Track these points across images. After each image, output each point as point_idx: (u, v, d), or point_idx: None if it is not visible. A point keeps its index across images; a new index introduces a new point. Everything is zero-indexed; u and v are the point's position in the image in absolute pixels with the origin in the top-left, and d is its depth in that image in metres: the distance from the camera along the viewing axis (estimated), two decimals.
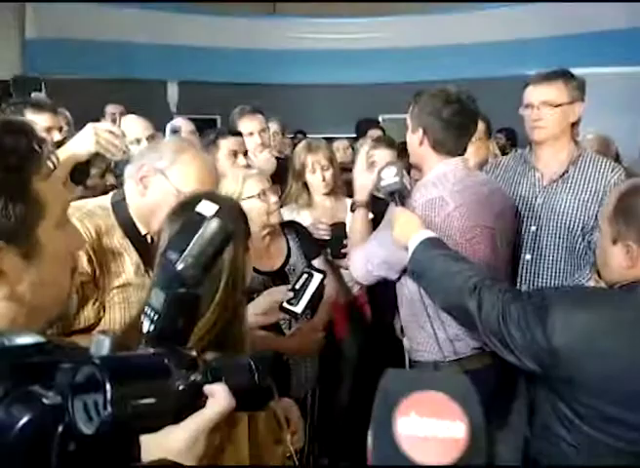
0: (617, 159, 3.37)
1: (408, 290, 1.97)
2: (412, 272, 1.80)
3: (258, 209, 2.11)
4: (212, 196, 1.39)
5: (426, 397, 0.48)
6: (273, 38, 8.55)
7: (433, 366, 2.01)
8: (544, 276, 2.26)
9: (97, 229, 1.57)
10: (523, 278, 2.28)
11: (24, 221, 0.77)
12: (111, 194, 1.72)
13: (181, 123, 3.32)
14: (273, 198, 2.16)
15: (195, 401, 0.76)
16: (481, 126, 2.86)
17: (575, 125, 2.34)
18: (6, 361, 0.59)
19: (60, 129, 2.76)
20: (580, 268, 2.22)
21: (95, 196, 1.79)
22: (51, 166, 0.81)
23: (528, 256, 2.28)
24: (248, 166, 2.73)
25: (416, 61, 8.04)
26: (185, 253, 0.76)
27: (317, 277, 1.89)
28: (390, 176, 1.85)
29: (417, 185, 2.00)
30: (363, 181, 2.14)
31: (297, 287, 1.87)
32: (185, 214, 1.32)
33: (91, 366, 0.56)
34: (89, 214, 1.59)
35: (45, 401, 0.57)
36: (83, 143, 1.78)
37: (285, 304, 1.81)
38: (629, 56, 7.14)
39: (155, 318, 0.75)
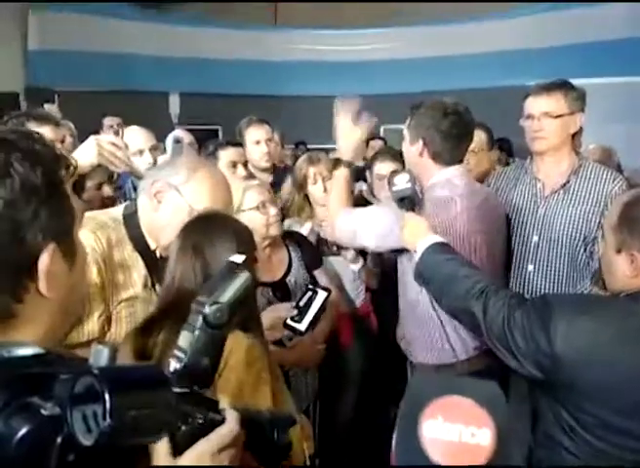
0: (618, 169, 3.37)
1: (414, 290, 2.00)
2: (419, 275, 1.83)
3: (257, 220, 2.11)
4: (222, 216, 1.40)
5: (454, 402, 0.48)
6: (275, 50, 8.61)
7: (435, 368, 2.06)
8: (547, 286, 2.26)
9: (108, 241, 1.56)
10: (526, 288, 2.28)
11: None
12: (123, 206, 1.73)
13: (183, 135, 3.33)
14: (273, 210, 2.16)
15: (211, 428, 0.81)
16: (483, 136, 2.87)
17: (576, 135, 2.34)
18: (5, 372, 0.59)
19: (62, 141, 2.76)
20: (582, 278, 2.22)
21: (92, 209, 1.79)
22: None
23: (530, 267, 2.29)
24: (249, 176, 2.74)
25: (416, 72, 8.09)
26: (218, 300, 0.83)
27: (321, 295, 1.90)
28: (403, 183, 1.89)
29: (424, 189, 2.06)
30: (348, 138, 2.18)
31: (301, 304, 1.88)
32: (194, 234, 1.38)
33: (90, 376, 0.55)
34: (101, 224, 1.58)
35: (44, 412, 0.57)
36: (86, 155, 1.78)
37: (289, 321, 1.82)
38: (630, 66, 7.17)
39: (182, 357, 0.80)
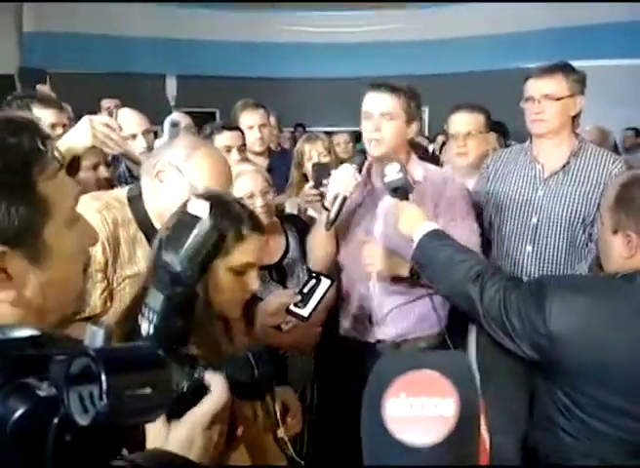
0: (614, 150, 3.37)
1: None
2: (417, 262, 1.86)
3: None
4: (208, 194, 1.40)
5: (417, 376, 0.47)
6: (273, 31, 8.55)
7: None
8: (545, 268, 2.27)
9: (114, 221, 1.59)
10: (524, 269, 2.29)
11: (29, 224, 0.74)
12: (126, 189, 1.75)
13: (180, 117, 3.31)
14: (260, 201, 2.13)
15: (200, 397, 0.79)
16: (481, 119, 2.86)
17: (575, 118, 2.33)
18: (0, 354, 0.59)
19: (64, 125, 2.74)
20: (580, 260, 2.22)
21: (87, 190, 1.79)
22: (57, 164, 0.78)
23: (529, 248, 2.29)
24: (245, 160, 2.72)
25: (414, 54, 8.04)
26: (181, 255, 0.77)
27: (325, 282, 1.92)
28: (394, 173, 1.89)
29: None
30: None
31: (305, 290, 1.90)
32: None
33: (86, 357, 0.55)
34: (107, 205, 1.61)
35: (40, 393, 0.57)
36: (80, 137, 1.77)
37: (292, 307, 1.83)
38: (628, 48, 7.13)
39: (154, 319, 0.76)
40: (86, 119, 1.79)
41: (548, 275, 2.20)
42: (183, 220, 0.88)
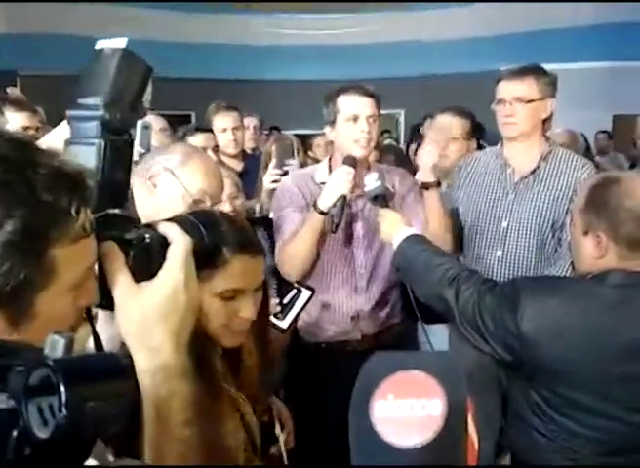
0: (587, 152, 3.41)
1: None
2: (397, 267, 1.91)
3: None
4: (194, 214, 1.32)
5: (405, 377, 0.48)
6: (249, 34, 8.53)
7: None
8: (515, 272, 2.27)
9: None
10: (494, 273, 2.29)
11: (23, 288, 0.66)
12: None
13: (153, 120, 3.27)
14: (228, 206, 2.09)
15: (164, 252, 0.75)
16: (467, 125, 2.87)
17: (546, 121, 2.35)
18: None
19: (37, 128, 2.71)
20: (550, 265, 2.23)
21: None
22: (82, 232, 0.69)
23: (499, 253, 2.30)
24: (220, 162, 2.71)
25: (393, 57, 8.08)
26: (106, 97, 0.66)
27: (305, 294, 1.91)
28: (372, 182, 1.96)
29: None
30: (427, 160, 2.20)
31: (284, 301, 1.88)
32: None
33: (45, 368, 0.54)
34: None
35: None
36: (59, 140, 1.75)
37: (272, 318, 1.82)
38: (600, 51, 7.25)
39: (93, 173, 0.67)
40: (65, 123, 1.77)
41: (522, 277, 2.21)
42: (99, 58, 0.73)
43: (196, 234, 1.03)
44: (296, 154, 2.57)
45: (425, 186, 2.19)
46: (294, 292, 1.91)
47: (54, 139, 1.74)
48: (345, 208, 2.01)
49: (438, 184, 2.20)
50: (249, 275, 1.19)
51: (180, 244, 0.78)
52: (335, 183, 2.01)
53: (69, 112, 0.72)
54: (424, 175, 2.19)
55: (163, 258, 0.77)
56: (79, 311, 0.77)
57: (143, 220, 1.58)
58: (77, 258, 0.70)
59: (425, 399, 0.46)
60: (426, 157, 2.20)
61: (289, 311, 1.85)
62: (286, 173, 2.38)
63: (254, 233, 2.24)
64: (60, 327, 0.70)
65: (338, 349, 2.22)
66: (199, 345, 1.03)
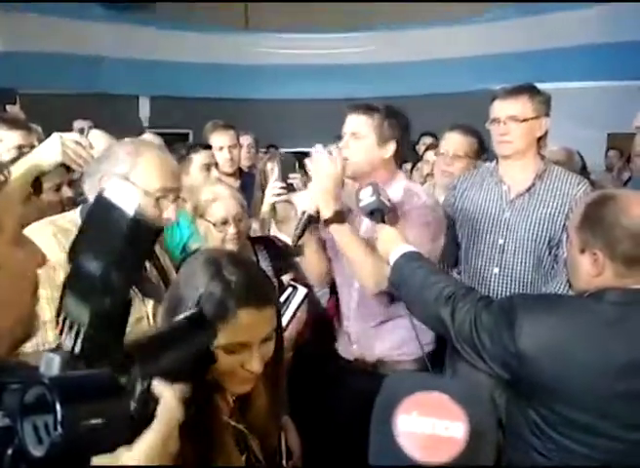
0: (583, 170, 3.42)
1: None
2: (392, 284, 1.85)
3: (214, 234, 2.12)
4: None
5: (429, 397, 0.49)
6: (246, 53, 8.59)
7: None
8: (512, 289, 2.28)
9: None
10: (492, 290, 2.30)
11: None
12: (79, 209, 1.71)
13: (150, 138, 3.29)
14: (232, 229, 2.12)
15: (147, 409, 0.71)
16: (474, 144, 2.90)
17: (541, 139, 2.37)
18: None
19: (32, 147, 2.70)
20: (547, 282, 2.24)
21: (53, 212, 1.76)
22: (2, 178, 0.75)
23: (495, 270, 2.31)
24: (219, 180, 2.72)
25: (387, 77, 8.14)
26: (106, 260, 0.64)
27: (302, 291, 1.88)
28: (367, 196, 1.91)
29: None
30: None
31: (280, 299, 1.85)
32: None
33: (40, 386, 0.53)
34: (62, 229, 1.57)
35: None
36: (49, 153, 1.76)
37: None
38: (596, 71, 7.32)
39: (81, 335, 0.65)
40: (56, 136, 1.77)
41: (519, 294, 2.21)
42: (102, 214, 0.68)
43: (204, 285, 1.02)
44: (298, 168, 2.54)
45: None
46: (289, 290, 1.87)
47: (41, 155, 1.74)
48: (307, 222, 1.98)
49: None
50: (255, 328, 1.10)
51: (168, 414, 0.73)
52: (301, 200, 2.04)
53: (77, 266, 0.69)
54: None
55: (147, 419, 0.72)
56: (34, 273, 0.79)
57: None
58: (7, 207, 0.74)
59: (448, 421, 0.47)
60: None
61: (286, 310, 1.81)
62: (290, 186, 2.36)
63: (253, 250, 2.25)
64: (24, 286, 0.77)
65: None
66: (204, 387, 1.02)
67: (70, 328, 0.66)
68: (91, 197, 1.63)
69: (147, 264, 1.70)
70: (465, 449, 0.46)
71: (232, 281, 1.08)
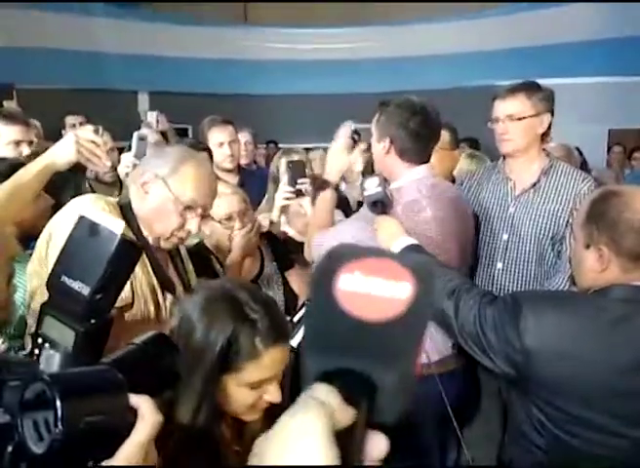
0: (583, 167, 3.42)
1: None
2: None
3: (220, 232, 2.11)
4: (208, 286, 1.23)
5: (375, 260, 0.46)
6: (245, 48, 8.56)
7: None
8: (515, 284, 2.28)
9: None
10: (495, 286, 2.30)
11: None
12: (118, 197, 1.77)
13: (148, 133, 3.27)
14: (238, 224, 2.12)
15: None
16: (446, 135, 2.91)
17: (544, 135, 2.36)
18: None
19: (31, 142, 2.69)
20: (549, 277, 2.24)
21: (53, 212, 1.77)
22: None
23: (499, 265, 2.31)
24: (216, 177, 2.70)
25: (386, 72, 8.11)
26: (94, 284, 0.64)
27: None
28: (373, 187, 1.89)
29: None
30: (338, 162, 2.14)
31: (295, 319, 1.85)
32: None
33: (40, 382, 0.52)
34: (110, 205, 1.61)
35: None
36: (64, 152, 1.75)
37: None
38: (597, 67, 7.30)
39: (63, 357, 0.64)
40: (71, 134, 1.78)
41: (524, 290, 2.21)
42: (86, 234, 0.68)
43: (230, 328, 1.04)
44: (307, 172, 2.53)
45: (324, 187, 2.15)
46: (304, 309, 1.87)
47: (56, 154, 1.76)
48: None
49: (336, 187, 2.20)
50: (279, 364, 1.16)
51: (147, 425, 0.70)
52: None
53: (58, 287, 0.67)
54: (332, 175, 2.15)
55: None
56: (8, 264, 0.76)
57: (140, 223, 1.62)
58: None
59: (394, 281, 0.45)
60: (339, 158, 2.15)
61: (299, 329, 1.81)
62: (299, 191, 2.35)
63: (259, 247, 2.23)
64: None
65: None
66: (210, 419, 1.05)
67: (48, 348, 0.64)
68: (132, 186, 1.66)
69: (170, 266, 1.74)
70: (409, 311, 0.43)
71: (256, 319, 1.12)
